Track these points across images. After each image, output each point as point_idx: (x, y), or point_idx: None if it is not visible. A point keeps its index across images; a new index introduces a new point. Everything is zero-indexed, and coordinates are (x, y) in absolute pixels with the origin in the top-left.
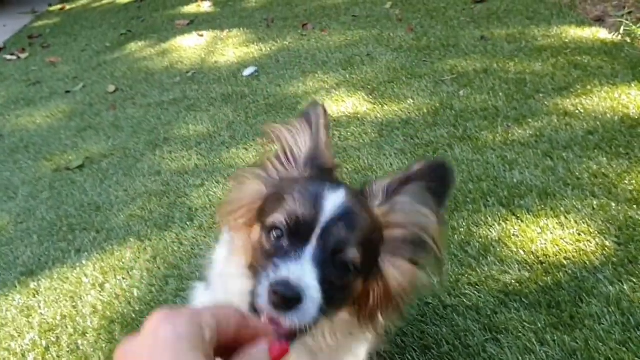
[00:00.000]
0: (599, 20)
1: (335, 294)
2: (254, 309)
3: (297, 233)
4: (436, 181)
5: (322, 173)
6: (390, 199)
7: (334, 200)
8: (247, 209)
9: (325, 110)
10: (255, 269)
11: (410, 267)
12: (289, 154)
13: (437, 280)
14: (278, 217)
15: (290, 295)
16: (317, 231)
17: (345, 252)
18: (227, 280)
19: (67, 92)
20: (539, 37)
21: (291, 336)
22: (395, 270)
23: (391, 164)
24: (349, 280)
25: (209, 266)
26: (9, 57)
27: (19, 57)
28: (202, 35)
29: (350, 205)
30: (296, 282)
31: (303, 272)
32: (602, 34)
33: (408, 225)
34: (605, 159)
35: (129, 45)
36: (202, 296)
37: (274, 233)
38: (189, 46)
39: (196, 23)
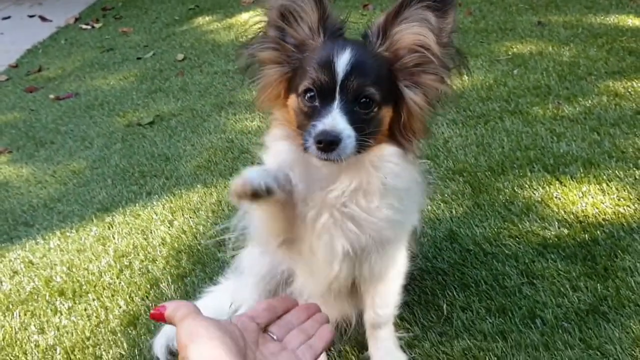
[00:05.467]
0: None
1: (367, 126)
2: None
3: (324, 93)
4: None
5: (333, 35)
6: (387, 34)
7: (343, 59)
8: (275, 88)
9: None
10: (301, 128)
11: (428, 82)
12: (302, 24)
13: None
14: (307, 84)
15: (330, 139)
16: (337, 88)
17: (363, 94)
18: (275, 148)
19: (138, 58)
20: (595, 24)
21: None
22: (412, 92)
23: (443, 133)
24: (374, 113)
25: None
26: (84, 26)
27: (93, 27)
28: None
29: (357, 57)
30: (332, 129)
31: (335, 122)
32: None
33: (410, 50)
34: None
35: (196, 19)
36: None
37: (308, 94)
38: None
39: (261, 0)
